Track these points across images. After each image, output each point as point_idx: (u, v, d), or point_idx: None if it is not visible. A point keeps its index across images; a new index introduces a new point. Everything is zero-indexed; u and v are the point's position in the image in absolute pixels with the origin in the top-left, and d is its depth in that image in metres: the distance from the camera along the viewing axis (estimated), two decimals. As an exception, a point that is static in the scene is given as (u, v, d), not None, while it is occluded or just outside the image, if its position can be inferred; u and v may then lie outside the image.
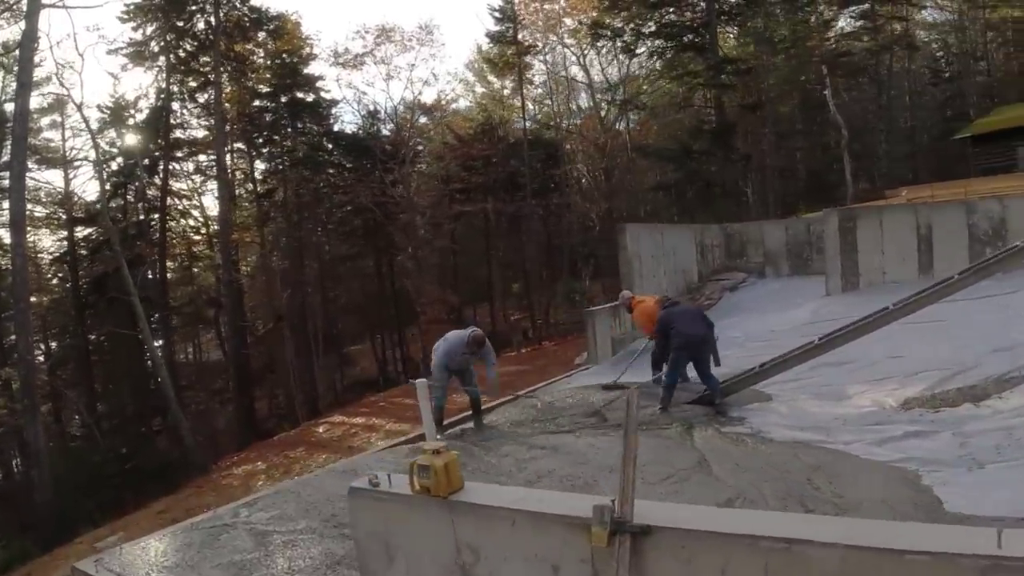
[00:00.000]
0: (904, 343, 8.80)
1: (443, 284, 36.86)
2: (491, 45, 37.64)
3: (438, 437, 8.17)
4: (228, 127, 29.33)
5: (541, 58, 37.07)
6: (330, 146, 36.56)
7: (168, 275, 28.20)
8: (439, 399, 8.40)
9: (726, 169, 25.84)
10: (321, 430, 19.47)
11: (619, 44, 29.67)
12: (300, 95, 33.47)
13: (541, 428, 7.87)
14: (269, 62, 32.54)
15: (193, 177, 31.93)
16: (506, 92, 43.04)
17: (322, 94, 34.79)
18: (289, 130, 33.47)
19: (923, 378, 7.87)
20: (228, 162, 29.33)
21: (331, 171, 36.57)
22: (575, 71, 37.41)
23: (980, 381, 7.32)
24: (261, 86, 32.80)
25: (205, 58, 29.19)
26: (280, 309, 30.63)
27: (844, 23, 32.62)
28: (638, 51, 29.74)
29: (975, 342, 8.43)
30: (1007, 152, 20.58)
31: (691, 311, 8.26)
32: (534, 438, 7.42)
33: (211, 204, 32.24)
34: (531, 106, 37.76)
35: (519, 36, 35.77)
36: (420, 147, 39.92)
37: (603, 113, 37.29)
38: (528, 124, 41.08)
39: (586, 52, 36.67)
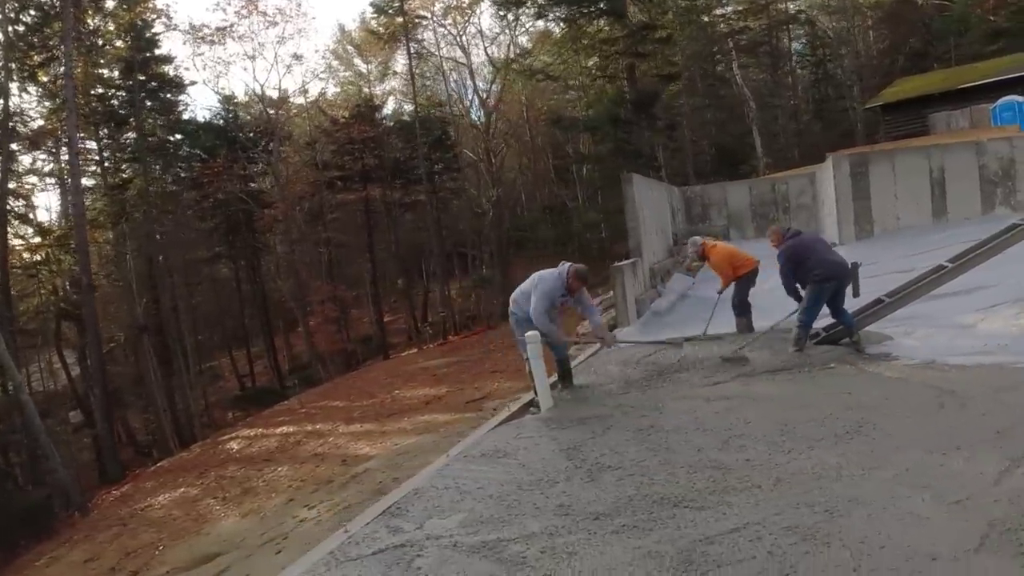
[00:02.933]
0: (983, 273, 8.76)
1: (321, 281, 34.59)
2: (375, 15, 35.84)
3: (566, 395, 7.00)
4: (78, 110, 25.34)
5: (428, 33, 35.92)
6: (181, 135, 33.20)
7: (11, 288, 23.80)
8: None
9: (648, 140, 26.22)
10: (236, 445, 17.12)
11: (529, 11, 29.17)
12: (157, 72, 30.09)
13: (671, 385, 6.93)
14: (122, 37, 28.82)
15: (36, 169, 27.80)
16: (373, 76, 41.94)
17: (180, 71, 31.78)
18: (145, 112, 29.81)
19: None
20: (79, 147, 25.32)
21: (182, 164, 33.26)
22: (450, 51, 37.02)
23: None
24: (110, 67, 29.31)
25: (49, 30, 25.05)
26: (140, 319, 26.95)
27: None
28: (548, 17, 29.45)
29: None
30: (918, 119, 22.48)
31: (822, 239, 7.68)
32: (690, 393, 6.48)
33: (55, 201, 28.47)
34: (412, 85, 36.33)
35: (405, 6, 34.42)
36: (290, 132, 37.48)
37: (485, 95, 37.01)
38: (411, 106, 40.13)
39: (462, 33, 36.36)
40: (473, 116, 39.48)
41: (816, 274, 7.12)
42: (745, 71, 33.14)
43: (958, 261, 7.40)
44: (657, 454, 4.80)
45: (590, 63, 31.14)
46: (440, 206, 37.49)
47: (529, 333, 6.57)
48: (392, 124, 39.09)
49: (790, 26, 35.43)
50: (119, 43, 29.02)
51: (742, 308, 9.05)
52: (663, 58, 28.23)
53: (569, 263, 7.09)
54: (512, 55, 35.84)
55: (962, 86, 20.81)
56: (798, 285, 7.32)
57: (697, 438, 5.02)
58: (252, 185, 34.40)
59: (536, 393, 7.07)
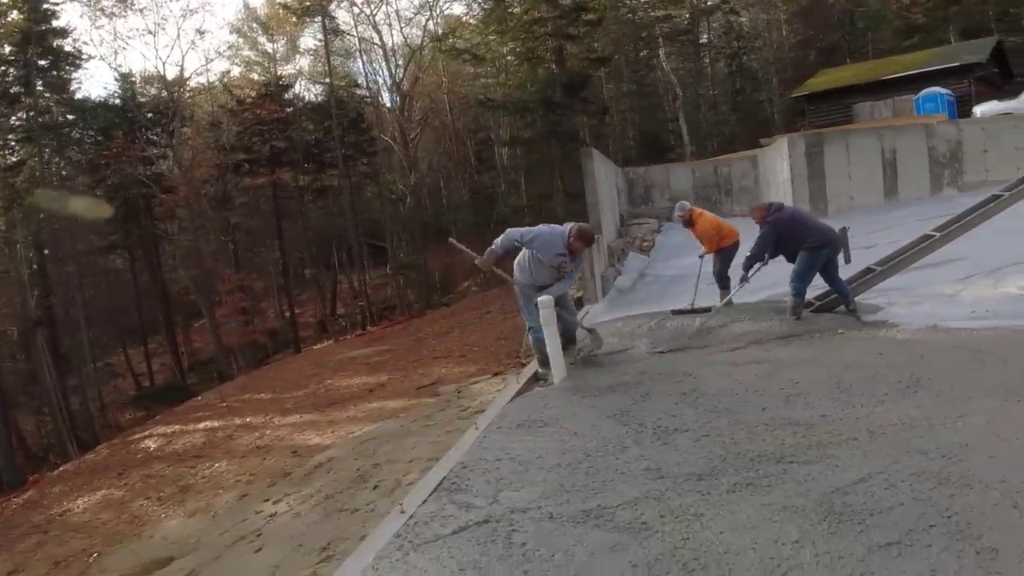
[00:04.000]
0: (960, 245, 9.25)
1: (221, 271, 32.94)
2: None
3: (576, 365, 6.74)
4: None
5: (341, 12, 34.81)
6: (77, 114, 30.76)
7: None
8: (536, 331, 6.87)
9: (581, 123, 26.39)
10: (153, 444, 15.94)
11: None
12: (53, 47, 27.71)
13: (687, 353, 6.85)
14: (18, 7, 26.35)
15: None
16: (279, 55, 40.38)
17: (78, 45, 29.44)
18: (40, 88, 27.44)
19: (1015, 271, 8.34)
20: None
21: (75, 147, 30.86)
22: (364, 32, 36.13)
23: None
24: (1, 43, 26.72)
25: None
26: (33, 313, 24.67)
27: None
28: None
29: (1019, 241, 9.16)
30: (842, 109, 23.74)
31: (806, 212, 7.82)
32: (712, 359, 6.42)
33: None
34: (327, 63, 35.15)
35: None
36: (193, 112, 35.52)
37: (401, 77, 36.31)
38: (318, 88, 38.98)
39: (376, 12, 35.50)
40: (388, 99, 38.78)
41: (811, 241, 7.23)
42: (669, 60, 33.96)
43: (945, 230, 7.71)
44: (720, 415, 4.68)
45: (513, 45, 30.96)
46: (354, 192, 36.48)
47: (543, 298, 6.29)
48: (304, 104, 37.72)
49: (710, 17, 36.55)
50: (15, 14, 26.48)
51: (724, 280, 9.17)
52: (592, 41, 28.49)
53: (574, 223, 6.81)
54: (430, 36, 35.32)
55: (885, 77, 22.17)
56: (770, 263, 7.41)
57: (754, 399, 4.95)
58: (152, 169, 32.28)
59: (542, 364, 6.86)
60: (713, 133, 34.90)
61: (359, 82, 38.70)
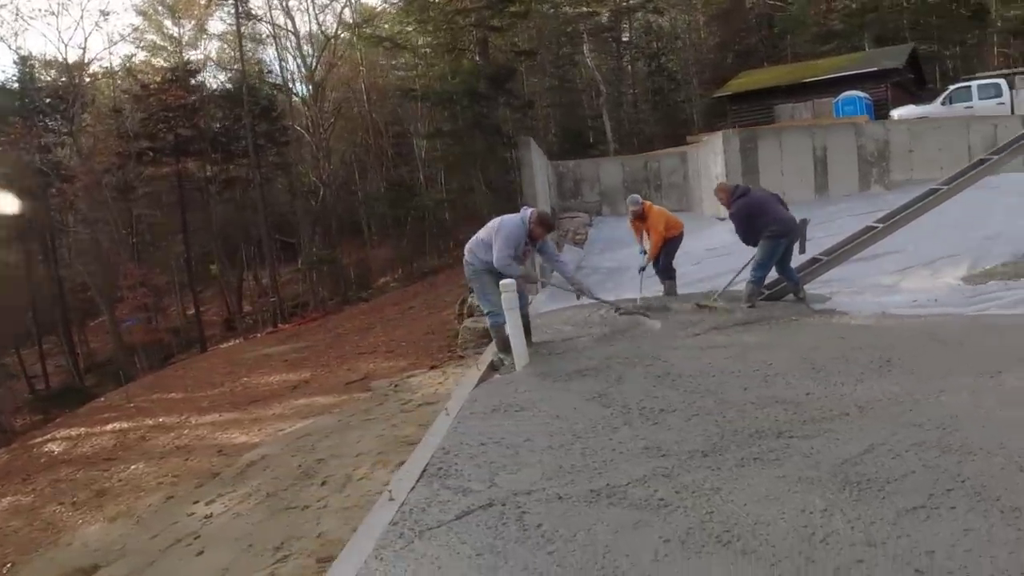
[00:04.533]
0: (896, 239, 9.75)
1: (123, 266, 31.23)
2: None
3: (539, 352, 6.65)
4: None
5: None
6: None
7: None
8: (494, 315, 6.84)
9: (506, 116, 26.35)
10: (56, 447, 14.89)
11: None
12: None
13: (649, 339, 6.89)
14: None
15: None
16: (186, 40, 38.74)
17: None
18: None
19: (948, 263, 8.87)
20: None
21: None
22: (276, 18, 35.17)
23: (1010, 260, 8.48)
24: None
25: None
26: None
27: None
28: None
29: (957, 234, 9.78)
30: (764, 110, 24.72)
31: (773, 196, 8.03)
32: (678, 344, 6.48)
33: None
34: (239, 48, 33.84)
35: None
36: (95, 98, 33.52)
37: (314, 65, 35.38)
38: (224, 76, 37.51)
39: None
40: (300, 87, 37.84)
41: (772, 230, 7.45)
42: (592, 57, 34.48)
43: (887, 222, 8.11)
44: (704, 396, 4.72)
45: (434, 36, 30.64)
46: (265, 183, 35.28)
47: (505, 282, 6.24)
48: (215, 91, 36.23)
49: (632, 16, 37.33)
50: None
51: (668, 271, 9.37)
52: (515, 34, 28.53)
53: (531, 207, 6.92)
54: (345, 25, 34.69)
55: (806, 80, 23.26)
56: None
57: (732, 379, 5.02)
58: (50, 156, 30.29)
59: (501, 349, 6.78)
60: (634, 131, 35.67)
61: (271, 69, 37.56)
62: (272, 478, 8.04)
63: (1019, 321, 6.14)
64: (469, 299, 13.07)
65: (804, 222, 7.81)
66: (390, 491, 3.98)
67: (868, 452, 3.46)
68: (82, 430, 15.80)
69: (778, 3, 32.52)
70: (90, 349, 34.38)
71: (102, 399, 20.51)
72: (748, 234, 7.63)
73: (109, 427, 15.27)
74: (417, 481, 4.02)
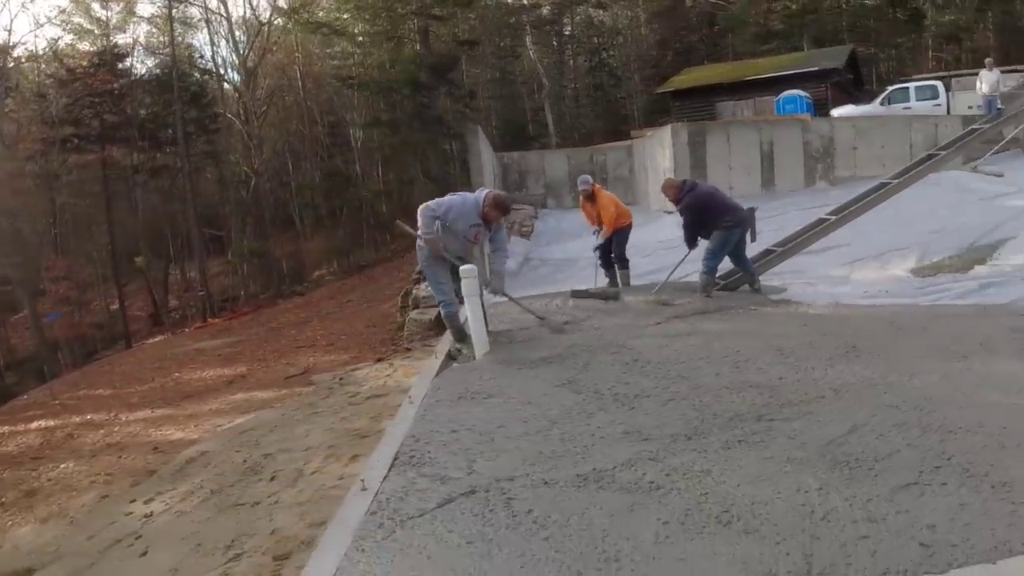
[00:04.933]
0: (844, 232, 10.02)
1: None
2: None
3: (498, 340, 6.52)
4: None
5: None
6: None
7: None
8: (447, 304, 6.72)
9: (447, 106, 26.12)
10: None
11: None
12: None
13: (611, 328, 6.87)
14: None
15: None
16: (113, 23, 37.17)
17: None
18: None
19: (896, 256, 9.18)
20: None
21: None
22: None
23: (956, 253, 8.82)
24: None
25: None
26: None
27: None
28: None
29: (903, 228, 10.12)
30: (706, 106, 25.19)
31: (716, 188, 8.13)
32: (641, 332, 6.47)
33: None
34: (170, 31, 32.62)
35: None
36: (18, 82, 31.82)
37: (246, 51, 34.44)
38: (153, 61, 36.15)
39: None
40: (232, 74, 36.78)
41: (727, 220, 7.54)
42: (535, 49, 34.53)
43: (840, 214, 8.33)
44: (676, 382, 4.71)
45: (372, 23, 30.11)
46: (194, 173, 34.15)
47: (466, 267, 6.10)
48: (143, 76, 34.91)
49: (574, 10, 37.54)
50: None
51: (623, 261, 9.39)
52: (457, 24, 28.29)
53: (489, 189, 6.77)
54: (279, 11, 33.83)
55: (748, 78, 23.80)
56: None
57: (703, 365, 5.04)
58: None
59: (458, 339, 6.67)
60: (575, 126, 35.91)
61: (203, 54, 36.39)
62: (215, 474, 7.70)
63: (972, 311, 6.38)
64: (413, 291, 12.87)
65: (752, 211, 7.96)
66: (362, 480, 3.82)
67: (852, 432, 3.50)
68: (4, 429, 14.93)
69: (720, 2, 33.23)
70: (10, 345, 32.71)
71: (24, 397, 19.57)
72: (698, 227, 7.67)
73: (34, 425, 14.49)
74: (389, 470, 3.87)
